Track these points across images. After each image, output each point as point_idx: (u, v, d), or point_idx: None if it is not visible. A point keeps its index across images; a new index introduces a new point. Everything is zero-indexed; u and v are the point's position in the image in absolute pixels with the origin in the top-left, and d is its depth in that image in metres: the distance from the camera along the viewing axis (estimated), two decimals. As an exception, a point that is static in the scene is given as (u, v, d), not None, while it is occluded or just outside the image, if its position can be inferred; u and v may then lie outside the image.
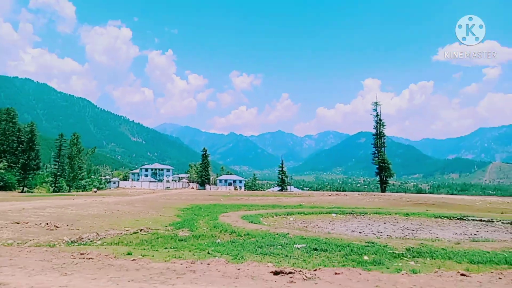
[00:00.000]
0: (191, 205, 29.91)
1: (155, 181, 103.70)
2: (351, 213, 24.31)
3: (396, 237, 13.37)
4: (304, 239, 11.96)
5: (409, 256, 9.65)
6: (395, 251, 10.03)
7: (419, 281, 6.32)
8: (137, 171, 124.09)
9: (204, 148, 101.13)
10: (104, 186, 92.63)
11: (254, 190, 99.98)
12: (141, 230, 14.56)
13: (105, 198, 33.05)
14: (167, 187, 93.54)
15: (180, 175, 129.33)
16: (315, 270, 7.16)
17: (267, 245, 10.94)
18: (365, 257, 9.32)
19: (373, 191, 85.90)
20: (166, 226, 16.26)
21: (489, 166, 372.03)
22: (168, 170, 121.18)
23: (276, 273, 6.83)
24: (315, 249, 10.28)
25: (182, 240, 12.36)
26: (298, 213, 23.59)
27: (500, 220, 20.30)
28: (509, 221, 19.73)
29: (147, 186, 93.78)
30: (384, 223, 19.50)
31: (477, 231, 16.33)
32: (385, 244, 10.87)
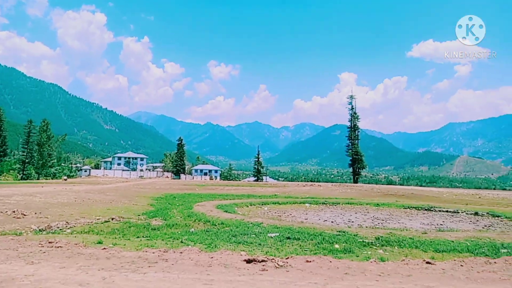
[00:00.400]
0: (165, 194, 29.60)
1: (128, 170, 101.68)
2: (324, 203, 24.78)
3: (367, 227, 13.74)
4: (277, 228, 12.12)
5: (378, 244, 9.96)
6: (365, 240, 10.32)
7: (386, 269, 6.54)
8: (110, 159, 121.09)
9: (180, 138, 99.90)
10: (75, 174, 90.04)
11: (230, 180, 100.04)
12: (112, 219, 14.30)
13: (76, 186, 32.17)
14: (141, 176, 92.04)
15: (155, 164, 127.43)
16: (287, 258, 7.28)
17: (241, 234, 11.01)
18: (336, 246, 9.56)
19: (346, 182, 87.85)
20: (138, 215, 16.03)
21: (457, 159, 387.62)
22: (142, 159, 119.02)
23: (249, 261, 6.89)
24: (288, 238, 10.44)
25: (155, 229, 12.23)
26: (273, 203, 23.83)
27: (465, 211, 21.25)
28: (473, 212, 20.69)
29: (120, 175, 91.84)
30: (356, 213, 20.00)
31: (443, 222, 17.02)
32: (355, 233, 11.17)
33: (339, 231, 11.51)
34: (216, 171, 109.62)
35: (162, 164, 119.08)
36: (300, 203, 24.38)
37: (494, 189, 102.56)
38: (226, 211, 16.97)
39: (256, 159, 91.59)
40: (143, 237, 10.57)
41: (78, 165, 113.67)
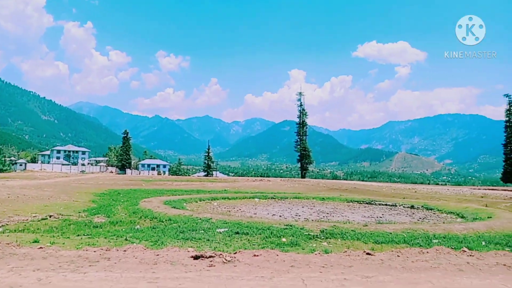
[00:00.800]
0: (109, 190, 28.32)
1: (68, 164, 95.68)
2: (273, 198, 25.24)
3: (312, 220, 14.21)
4: (226, 223, 12.12)
5: (322, 237, 10.34)
6: (310, 233, 10.67)
7: (330, 260, 6.80)
8: (48, 152, 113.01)
9: (126, 130, 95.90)
10: (9, 168, 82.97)
11: (179, 175, 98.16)
12: (50, 216, 13.40)
13: (9, 181, 29.68)
14: (83, 171, 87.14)
15: (98, 159, 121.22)
16: (235, 253, 7.30)
17: (189, 230, 10.87)
18: (283, 239, 9.78)
19: (294, 177, 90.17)
20: (79, 212, 15.19)
21: (396, 156, 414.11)
22: (84, 153, 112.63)
23: (196, 257, 6.81)
24: (237, 233, 10.48)
25: (97, 227, 11.67)
26: (223, 198, 23.81)
27: (402, 205, 22.77)
28: (409, 205, 22.23)
29: (60, 169, 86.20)
30: (303, 207, 20.59)
31: (382, 214, 18.09)
32: (302, 227, 11.50)
33: (287, 225, 11.79)
34: (164, 166, 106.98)
35: (106, 159, 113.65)
36: (249, 198, 24.60)
37: (429, 184, 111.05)
38: (174, 207, 16.63)
39: (207, 154, 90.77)
40: (84, 235, 10.04)
41: (12, 158, 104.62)
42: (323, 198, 25.50)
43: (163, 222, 12.85)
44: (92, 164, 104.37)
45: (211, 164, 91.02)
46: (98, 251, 7.27)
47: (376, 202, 23.88)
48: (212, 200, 22.79)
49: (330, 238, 10.26)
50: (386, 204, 23.09)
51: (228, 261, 6.58)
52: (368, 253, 7.35)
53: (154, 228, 11.41)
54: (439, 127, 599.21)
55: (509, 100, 66.23)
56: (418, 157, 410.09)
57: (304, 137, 77.17)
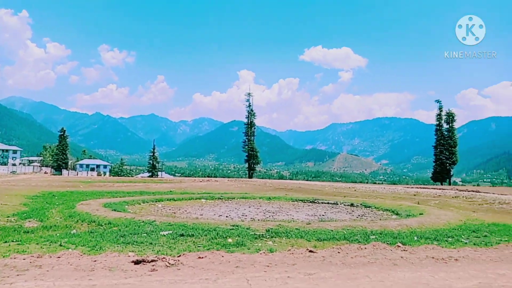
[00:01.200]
0: (42, 192, 26.29)
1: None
2: (220, 198, 25.09)
3: (259, 220, 14.35)
4: (171, 225, 11.80)
5: (268, 236, 10.47)
6: (256, 233, 10.75)
7: (274, 259, 6.90)
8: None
9: (63, 128, 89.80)
10: None
11: (121, 176, 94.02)
12: (-28, 222, 12.10)
13: None
14: (13, 172, 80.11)
15: (31, 158, 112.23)
16: (179, 256, 7.13)
17: (131, 234, 10.42)
18: (229, 240, 9.74)
19: (242, 177, 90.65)
20: (8, 217, 13.89)
21: (338, 156, 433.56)
22: (15, 152, 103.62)
23: (137, 262, 6.54)
24: (182, 235, 10.25)
25: (28, 232, 10.75)
26: (168, 200, 23.16)
27: (343, 203, 23.81)
28: (349, 204, 23.31)
29: (-14, 170, 78.50)
30: (249, 207, 20.73)
31: (324, 212, 18.77)
32: (248, 227, 11.55)
33: (233, 225, 11.76)
34: (105, 167, 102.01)
35: (40, 158, 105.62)
36: (196, 199, 24.22)
37: (367, 183, 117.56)
38: (115, 210, 15.85)
39: (152, 154, 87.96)
40: (12, 241, 9.19)
41: None
42: (269, 198, 25.87)
43: (102, 226, 12.18)
44: (24, 164, 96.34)
45: (156, 165, 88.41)
46: (28, 259, 6.71)
47: (319, 201, 24.74)
48: (156, 201, 22.08)
49: (275, 237, 10.42)
50: (328, 203, 24.00)
51: (172, 264, 6.40)
52: (310, 251, 7.57)
53: (92, 233, 10.78)
54: (377, 129, 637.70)
55: (439, 106, 72.41)
56: (358, 158, 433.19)
57: (252, 137, 77.94)
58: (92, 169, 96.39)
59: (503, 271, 6.43)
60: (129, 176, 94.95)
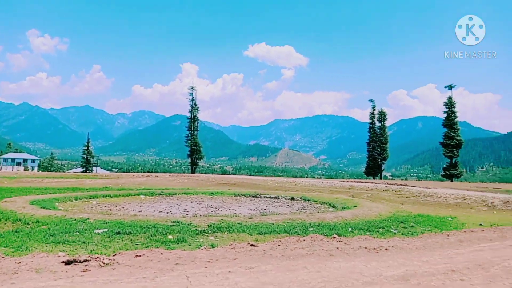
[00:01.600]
0: (-43, 189, 23.53)
1: None
2: (161, 194, 24.39)
3: (201, 215, 14.17)
4: (106, 223, 11.20)
5: (210, 232, 10.39)
6: (198, 228, 10.61)
7: (215, 254, 6.85)
8: None
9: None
10: None
11: (52, 171, 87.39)
12: None
13: None
14: None
15: None
16: (115, 254, 6.78)
17: (62, 233, 9.71)
18: (170, 237, 9.50)
19: (184, 173, 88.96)
20: None
21: (280, 152, 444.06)
22: None
23: (68, 262, 6.10)
24: (118, 233, 9.78)
25: None
26: (103, 196, 21.97)
27: (284, 197, 24.42)
28: (290, 197, 23.97)
29: None
30: (191, 202, 20.41)
31: (266, 207, 19.10)
32: (189, 222, 11.35)
33: (174, 222, 11.48)
34: (33, 161, 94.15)
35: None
36: (134, 195, 23.28)
37: (307, 177, 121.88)
38: (44, 207, 14.65)
39: (86, 148, 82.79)
40: None
41: None
42: (212, 193, 25.70)
43: (29, 224, 11.20)
44: None
45: (91, 159, 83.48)
46: None
47: (261, 195, 25.12)
48: (90, 198, 20.83)
49: (217, 232, 10.37)
50: (270, 197, 24.46)
51: (106, 264, 6.06)
52: (252, 245, 7.63)
53: (17, 232, 9.87)
54: (317, 126, 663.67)
55: (372, 105, 77.15)
56: (298, 153, 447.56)
57: (195, 132, 76.78)
58: (19, 164, 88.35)
59: (426, 258, 7.03)
60: (60, 171, 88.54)
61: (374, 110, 76.66)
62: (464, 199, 21.17)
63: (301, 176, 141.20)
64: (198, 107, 77.40)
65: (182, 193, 25.38)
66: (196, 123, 77.18)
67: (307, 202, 21.92)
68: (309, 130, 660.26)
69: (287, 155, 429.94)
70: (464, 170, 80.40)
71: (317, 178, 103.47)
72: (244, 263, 6.24)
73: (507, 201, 19.46)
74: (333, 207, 18.88)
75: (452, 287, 5.27)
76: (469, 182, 73.26)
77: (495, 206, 18.78)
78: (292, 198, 23.58)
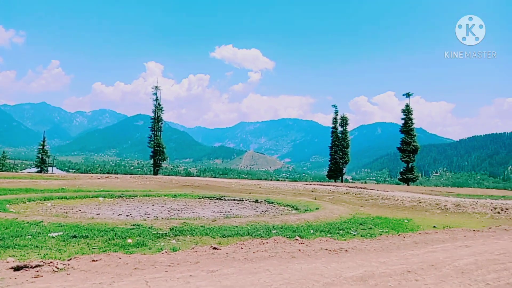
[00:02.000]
0: None
1: None
2: (121, 196, 23.62)
3: (162, 218, 13.88)
4: (62, 226, 10.68)
5: (172, 235, 10.19)
6: (159, 232, 10.37)
7: (177, 258, 6.72)
8: None
9: None
10: None
11: (3, 171, 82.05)
12: None
13: None
14: None
15: None
16: (70, 259, 6.47)
17: (12, 236, 9.14)
18: (129, 240, 9.21)
19: (146, 174, 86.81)
20: None
21: (245, 154, 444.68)
22: None
23: (18, 268, 5.74)
24: (74, 237, 9.35)
25: None
26: (59, 198, 20.95)
27: (248, 199, 24.46)
28: (254, 200, 24.05)
29: None
30: (153, 205, 19.94)
31: (230, 209, 19.03)
32: (150, 226, 11.08)
33: (134, 225, 11.16)
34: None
35: None
36: (92, 197, 22.38)
37: (271, 180, 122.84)
38: (-7, 210, 13.75)
39: (41, 147, 78.45)
40: None
41: None
42: (175, 195, 25.24)
43: (-26, 228, 10.44)
44: None
45: (47, 159, 79.21)
46: None
47: (226, 198, 25.02)
48: (45, 200, 19.78)
49: (180, 236, 10.19)
50: (234, 199, 24.41)
51: (60, 269, 5.77)
52: (214, 248, 7.57)
53: (-40, 237, 9.17)
54: (282, 129, 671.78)
55: (335, 110, 79.25)
56: (263, 156, 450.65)
57: (159, 132, 75.12)
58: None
59: (383, 259, 7.29)
60: (12, 172, 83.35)
61: (337, 115, 78.78)
62: (420, 202, 22.24)
63: (265, 179, 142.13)
64: (162, 107, 75.81)
65: (144, 195, 24.74)
66: (160, 123, 75.54)
67: (271, 204, 22.09)
68: (274, 133, 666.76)
69: (252, 157, 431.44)
70: (420, 174, 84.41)
71: (281, 180, 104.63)
72: (206, 267, 6.17)
73: (458, 204, 20.66)
74: (296, 209, 19.16)
75: (407, 287, 5.50)
76: (424, 186, 77.13)
77: (447, 209, 19.88)
78: (256, 201, 23.67)
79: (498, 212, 18.01)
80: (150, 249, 8.42)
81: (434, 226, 13.65)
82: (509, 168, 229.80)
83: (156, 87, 75.30)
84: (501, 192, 48.31)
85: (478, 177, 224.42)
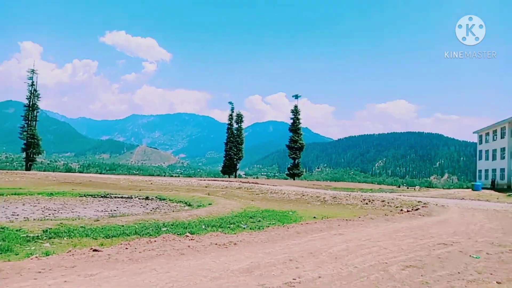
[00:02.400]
0: None
1: None
2: (-20, 195, 20.14)
3: (34, 219, 12.27)
4: None
5: (45, 238, 9.10)
6: (29, 234, 9.15)
7: (49, 263, 5.99)
8: None
9: None
10: None
11: None
12: None
13: None
14: None
15: None
16: None
17: None
18: (-11, 246, 7.89)
19: (17, 169, 75.42)
20: None
21: (137, 149, 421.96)
22: None
23: None
24: None
25: None
26: None
27: (138, 196, 23.32)
28: (144, 197, 23.04)
29: None
30: (23, 205, 17.53)
31: (117, 207, 17.86)
32: (19, 228, 9.70)
33: (-3, 228, 9.60)
34: None
35: None
36: None
37: (165, 175, 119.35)
38: None
39: None
40: None
41: None
42: (51, 194, 22.58)
43: None
44: None
45: None
46: None
47: (112, 195, 23.40)
48: None
49: (55, 238, 9.15)
50: (122, 197, 23.01)
51: None
52: (95, 250, 6.98)
53: None
54: (177, 124, 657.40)
55: (231, 107, 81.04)
56: (157, 151, 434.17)
57: (34, 122, 66.12)
58: None
59: (269, 250, 7.70)
60: None
61: (233, 112, 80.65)
62: (303, 195, 24.23)
63: (158, 175, 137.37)
64: (39, 94, 66.84)
65: (12, 194, 21.57)
66: (35, 112, 66.53)
67: (162, 201, 21.45)
68: (169, 128, 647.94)
69: (145, 152, 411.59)
70: (304, 170, 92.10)
71: (175, 176, 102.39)
72: (84, 271, 5.64)
73: (335, 197, 23.14)
74: (189, 205, 18.99)
75: (289, 274, 5.90)
76: (308, 180, 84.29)
77: (326, 201, 22.08)
78: (147, 198, 22.72)
79: (366, 203, 20.76)
80: (16, 254, 7.35)
81: (314, 217, 15.01)
82: (376, 165, 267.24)
83: (33, 71, 66.02)
84: (369, 186, 55.97)
85: (352, 172, 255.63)
